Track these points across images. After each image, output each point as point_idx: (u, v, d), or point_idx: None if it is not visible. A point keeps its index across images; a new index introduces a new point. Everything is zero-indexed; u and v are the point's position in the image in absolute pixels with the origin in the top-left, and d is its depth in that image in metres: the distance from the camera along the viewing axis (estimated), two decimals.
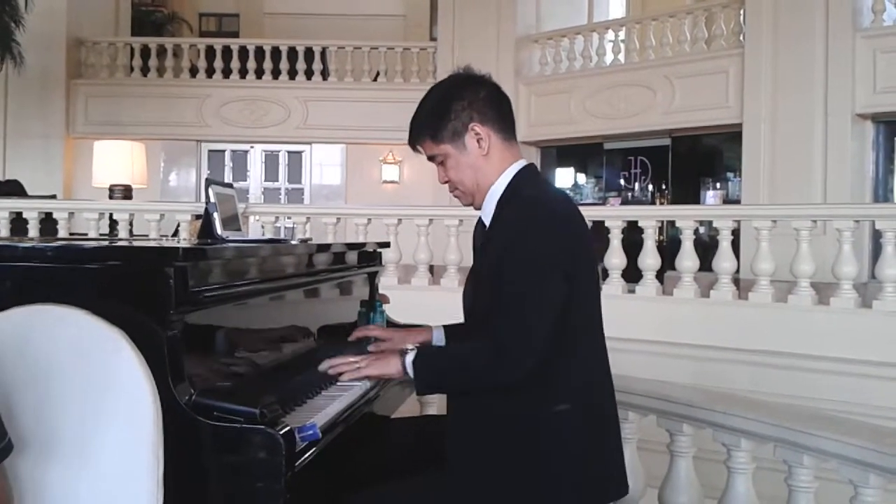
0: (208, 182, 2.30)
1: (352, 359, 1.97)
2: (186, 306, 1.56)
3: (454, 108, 1.88)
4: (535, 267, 1.76)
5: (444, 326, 2.24)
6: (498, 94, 1.94)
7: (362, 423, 1.98)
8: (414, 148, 1.97)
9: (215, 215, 2.26)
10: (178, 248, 1.62)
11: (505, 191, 1.89)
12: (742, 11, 9.31)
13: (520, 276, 1.76)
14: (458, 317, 2.17)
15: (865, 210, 6.11)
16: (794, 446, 2.19)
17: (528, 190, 1.87)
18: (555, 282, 1.77)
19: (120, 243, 2.66)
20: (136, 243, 2.56)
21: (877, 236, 5.83)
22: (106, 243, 2.32)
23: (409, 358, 1.86)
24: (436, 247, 6.40)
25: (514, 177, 1.90)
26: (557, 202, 1.90)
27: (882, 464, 1.99)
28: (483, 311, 1.84)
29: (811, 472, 2.19)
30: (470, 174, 1.91)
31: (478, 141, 1.88)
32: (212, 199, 2.28)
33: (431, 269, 6.61)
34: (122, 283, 1.58)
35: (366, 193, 11.85)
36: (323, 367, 1.98)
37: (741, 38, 9.27)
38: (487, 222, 1.92)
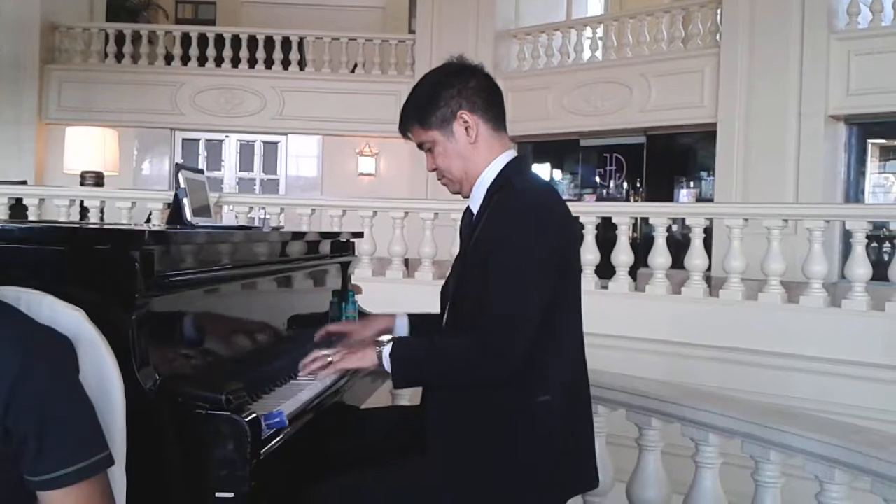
0: (178, 167, 2.27)
1: (325, 352, 1.94)
2: (152, 291, 1.54)
3: (444, 95, 1.89)
4: (524, 262, 1.75)
5: (410, 315, 2.22)
6: (489, 84, 1.94)
7: (332, 412, 1.97)
8: (404, 135, 1.97)
9: (185, 201, 2.24)
10: (144, 231, 1.60)
11: (495, 179, 1.89)
12: (719, 11, 9.37)
13: (508, 271, 1.75)
14: (432, 310, 2.16)
15: (836, 210, 6.18)
16: (760, 441, 2.20)
17: (520, 181, 1.87)
18: (545, 278, 1.77)
19: (89, 226, 2.62)
20: (105, 227, 2.52)
21: (847, 236, 5.90)
22: (75, 226, 2.28)
23: (386, 351, 1.83)
24: (411, 240, 6.38)
25: (505, 166, 1.90)
26: (547, 195, 1.90)
27: (848, 460, 2.00)
28: (469, 298, 1.82)
29: (778, 468, 2.21)
30: (457, 162, 1.91)
31: (466, 129, 1.89)
32: (182, 185, 2.26)
33: (406, 262, 6.60)
34: (87, 266, 1.56)
35: (342, 185, 11.79)
36: (300, 368, 1.97)
37: (717, 37, 9.34)
38: (476, 210, 1.92)
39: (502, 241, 1.77)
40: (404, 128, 1.96)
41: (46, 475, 1.25)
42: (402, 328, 2.20)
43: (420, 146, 1.96)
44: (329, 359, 1.91)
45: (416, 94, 1.94)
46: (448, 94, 1.89)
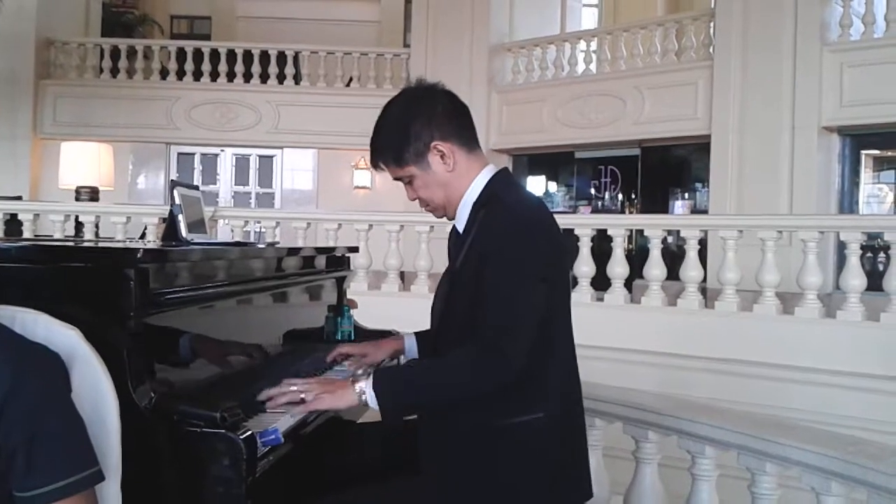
0: (173, 184, 2.28)
1: (295, 387, 1.80)
2: (148, 308, 1.54)
3: (413, 128, 1.84)
4: (520, 274, 1.74)
5: (416, 333, 2.21)
6: (454, 104, 1.90)
7: (328, 427, 1.96)
8: (376, 168, 1.92)
9: (180, 217, 2.24)
10: (138, 249, 1.60)
11: (480, 196, 1.87)
12: (712, 24, 9.42)
13: (506, 281, 1.73)
14: (427, 323, 2.16)
15: (830, 221, 6.20)
16: (757, 453, 2.20)
17: (506, 194, 1.85)
18: (538, 288, 1.76)
19: (83, 244, 2.62)
20: (99, 245, 2.52)
21: (841, 247, 5.92)
22: (69, 244, 2.28)
23: (367, 387, 1.73)
24: (406, 253, 6.39)
25: (489, 182, 1.88)
26: (534, 208, 1.89)
27: (844, 472, 2.00)
28: (462, 314, 1.80)
29: (774, 480, 2.21)
30: (438, 191, 1.89)
31: (442, 157, 1.85)
32: (177, 202, 2.26)
33: (402, 275, 6.60)
34: (82, 284, 1.56)
35: (337, 199, 11.79)
36: (261, 397, 1.80)
37: (711, 50, 9.37)
38: (462, 228, 1.91)
39: (494, 254, 1.76)
40: (377, 164, 1.91)
41: (35, 490, 1.25)
42: (412, 347, 2.19)
43: (398, 179, 1.92)
44: (301, 395, 1.78)
45: (385, 131, 1.88)
46: (417, 126, 1.84)
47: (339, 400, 1.77)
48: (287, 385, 1.81)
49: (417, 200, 1.95)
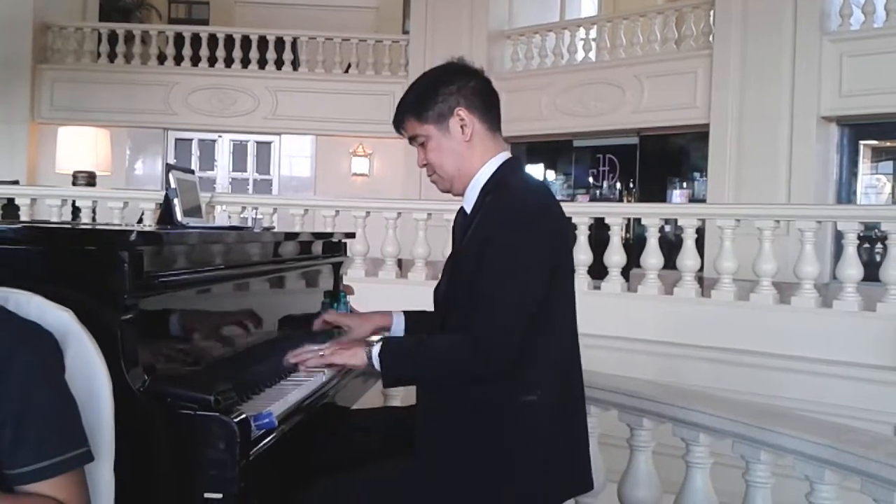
0: (169, 168, 2.27)
1: (315, 347, 1.96)
2: (141, 291, 1.53)
3: (442, 91, 1.89)
4: (517, 263, 1.76)
5: (405, 312, 2.22)
6: (488, 87, 1.95)
7: (323, 413, 1.96)
8: (397, 129, 1.97)
9: (175, 201, 2.23)
10: (133, 231, 1.59)
11: (489, 180, 1.89)
12: (712, 13, 9.40)
13: (501, 271, 1.75)
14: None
15: (828, 211, 6.20)
16: (751, 442, 2.21)
17: (513, 182, 1.88)
18: (535, 277, 1.77)
19: (78, 227, 2.61)
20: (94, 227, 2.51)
21: (839, 237, 5.92)
22: (64, 227, 2.27)
23: (375, 350, 1.83)
24: (404, 240, 6.38)
25: (500, 167, 1.90)
26: (541, 196, 1.91)
27: (838, 460, 2.00)
28: (462, 297, 1.82)
29: (768, 468, 2.21)
30: (451, 159, 1.91)
31: (462, 126, 1.88)
32: (172, 185, 2.25)
33: (399, 262, 6.60)
34: (76, 266, 1.55)
35: (335, 185, 11.78)
36: (287, 357, 1.98)
37: (710, 39, 9.36)
38: (469, 210, 1.92)
39: (495, 241, 1.77)
40: (399, 120, 1.95)
41: (25, 467, 1.24)
42: (399, 326, 2.21)
43: (412, 139, 1.95)
44: (320, 353, 1.94)
45: (415, 88, 1.94)
46: (447, 90, 1.89)
47: (352, 358, 1.90)
48: (308, 346, 1.97)
49: (426, 167, 1.96)
